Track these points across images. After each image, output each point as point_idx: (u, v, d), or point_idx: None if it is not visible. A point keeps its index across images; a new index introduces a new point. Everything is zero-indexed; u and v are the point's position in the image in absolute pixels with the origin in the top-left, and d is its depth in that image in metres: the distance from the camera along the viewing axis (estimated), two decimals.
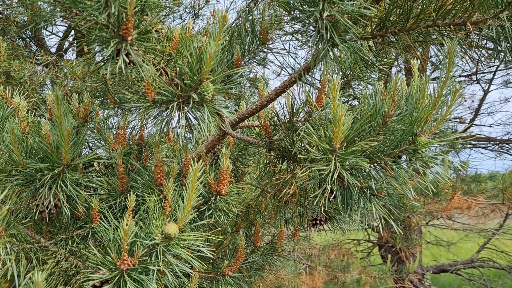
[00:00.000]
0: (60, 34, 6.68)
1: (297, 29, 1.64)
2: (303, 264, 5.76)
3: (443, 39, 1.68)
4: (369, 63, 1.99)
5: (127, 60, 1.31)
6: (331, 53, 1.56)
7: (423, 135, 1.49)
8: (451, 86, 1.44)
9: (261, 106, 1.98)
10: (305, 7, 1.50)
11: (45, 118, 1.93)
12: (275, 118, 1.93)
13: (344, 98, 2.25)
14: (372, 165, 1.56)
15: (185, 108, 1.47)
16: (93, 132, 2.16)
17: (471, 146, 8.09)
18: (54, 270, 1.56)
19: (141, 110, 1.52)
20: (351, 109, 1.66)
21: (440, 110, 1.47)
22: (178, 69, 1.51)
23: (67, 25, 6.42)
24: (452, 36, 1.68)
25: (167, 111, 1.52)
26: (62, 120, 1.47)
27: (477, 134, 8.46)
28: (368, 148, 1.51)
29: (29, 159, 1.58)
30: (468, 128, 8.10)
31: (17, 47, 5.59)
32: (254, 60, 2.03)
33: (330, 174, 1.46)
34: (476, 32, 1.62)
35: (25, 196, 1.61)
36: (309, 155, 1.52)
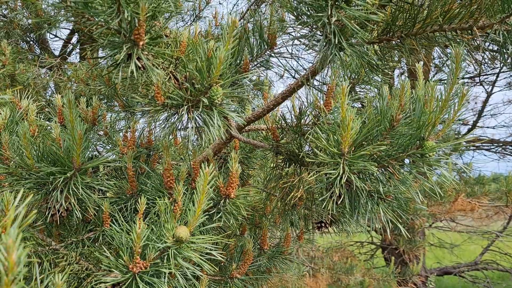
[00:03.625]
0: (64, 37, 6.71)
1: (304, 33, 1.66)
2: (307, 266, 5.76)
3: (449, 43, 1.69)
4: (375, 67, 2.00)
5: (139, 65, 1.33)
6: (338, 57, 1.57)
7: (430, 139, 1.50)
8: (458, 90, 1.45)
9: (267, 110, 1.99)
10: (312, 12, 1.52)
11: (54, 122, 1.95)
12: (282, 122, 1.95)
13: (351, 102, 2.26)
14: (379, 169, 1.57)
15: (195, 112, 1.49)
16: (101, 136, 2.18)
17: (474, 148, 8.09)
18: (66, 273, 1.57)
19: (151, 114, 1.54)
20: (359, 114, 1.67)
21: (448, 114, 1.49)
22: (187, 73, 1.53)
23: (70, 29, 6.45)
24: (458, 40, 1.70)
25: (177, 115, 1.54)
26: (75, 124, 1.49)
27: (481, 136, 8.46)
28: (376, 152, 1.52)
29: (41, 162, 1.59)
30: (471, 130, 8.10)
31: (21, 50, 5.62)
32: (262, 64, 2.04)
33: (339, 178, 1.47)
34: (482, 36, 1.63)
35: (36, 200, 1.63)
36: (317, 158, 1.53)
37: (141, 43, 1.32)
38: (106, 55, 1.37)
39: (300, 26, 1.61)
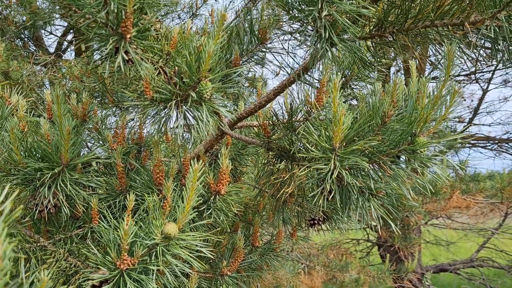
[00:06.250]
0: (59, 34, 6.67)
1: (295, 28, 1.64)
2: (302, 264, 5.76)
3: (441, 39, 1.68)
4: (367, 63, 1.99)
5: (126, 58, 1.31)
6: (329, 53, 1.56)
7: (422, 135, 1.49)
8: (451, 87, 1.44)
9: (259, 106, 1.98)
10: (303, 6, 1.51)
11: (44, 118, 1.92)
12: (274, 118, 1.93)
13: (343, 98, 2.24)
14: (371, 165, 1.56)
15: (184, 106, 1.48)
16: (91, 132, 2.16)
17: (470, 145, 8.10)
18: (53, 270, 1.55)
19: (140, 108, 1.52)
20: (350, 109, 1.66)
21: (439, 110, 1.48)
22: (176, 68, 1.51)
23: (65, 26, 6.42)
24: (450, 36, 1.68)
25: (166, 109, 1.52)
26: (62, 119, 1.47)
27: (476, 133, 8.47)
28: (367, 147, 1.51)
29: (28, 158, 1.57)
30: (467, 127, 8.10)
31: (16, 47, 5.58)
32: (253, 60, 2.03)
33: (330, 173, 1.46)
34: (474, 32, 1.62)
35: (24, 196, 1.61)
36: (308, 154, 1.52)
37: (128, 36, 1.30)
38: (93, 48, 1.35)
39: (292, 20, 1.59)
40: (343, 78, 2.28)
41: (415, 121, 1.47)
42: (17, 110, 1.97)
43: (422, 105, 1.47)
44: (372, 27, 1.76)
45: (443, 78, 1.43)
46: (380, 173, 1.56)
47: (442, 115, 1.47)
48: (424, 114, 1.45)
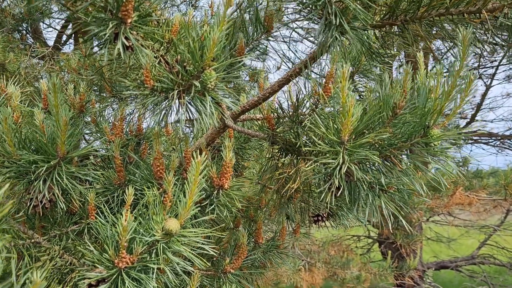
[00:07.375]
0: (58, 27, 6.60)
1: (303, 15, 1.56)
2: (303, 260, 5.70)
3: (456, 27, 1.60)
4: (375, 54, 1.92)
5: (126, 44, 1.23)
6: (339, 41, 1.48)
7: (435, 128, 1.42)
8: (465, 76, 1.37)
9: (263, 98, 1.90)
10: None
11: (38, 108, 1.85)
12: (279, 110, 1.86)
13: (352, 88, 2.17)
14: (381, 159, 1.49)
15: (186, 97, 1.40)
16: (89, 124, 2.08)
17: (472, 141, 8.03)
18: (48, 268, 1.48)
19: (139, 98, 1.45)
20: (359, 100, 1.58)
21: (454, 101, 1.40)
22: (179, 56, 1.44)
23: (64, 19, 6.34)
24: (465, 24, 1.61)
25: (167, 100, 1.45)
26: (59, 109, 1.39)
27: (479, 129, 8.38)
28: (378, 141, 1.44)
29: (23, 150, 1.50)
30: (470, 123, 8.03)
31: (13, 40, 5.51)
32: (258, 49, 1.95)
33: (338, 168, 1.39)
34: (491, 20, 1.54)
35: (18, 190, 1.53)
36: (315, 147, 1.45)
37: (129, 20, 1.22)
38: (91, 33, 1.27)
39: (300, 6, 1.51)
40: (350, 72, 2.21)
41: (428, 112, 1.40)
42: (11, 100, 1.90)
43: (436, 95, 1.39)
44: (382, 16, 1.68)
45: (458, 66, 1.36)
46: (391, 168, 1.49)
47: (457, 106, 1.40)
48: (438, 104, 1.38)
